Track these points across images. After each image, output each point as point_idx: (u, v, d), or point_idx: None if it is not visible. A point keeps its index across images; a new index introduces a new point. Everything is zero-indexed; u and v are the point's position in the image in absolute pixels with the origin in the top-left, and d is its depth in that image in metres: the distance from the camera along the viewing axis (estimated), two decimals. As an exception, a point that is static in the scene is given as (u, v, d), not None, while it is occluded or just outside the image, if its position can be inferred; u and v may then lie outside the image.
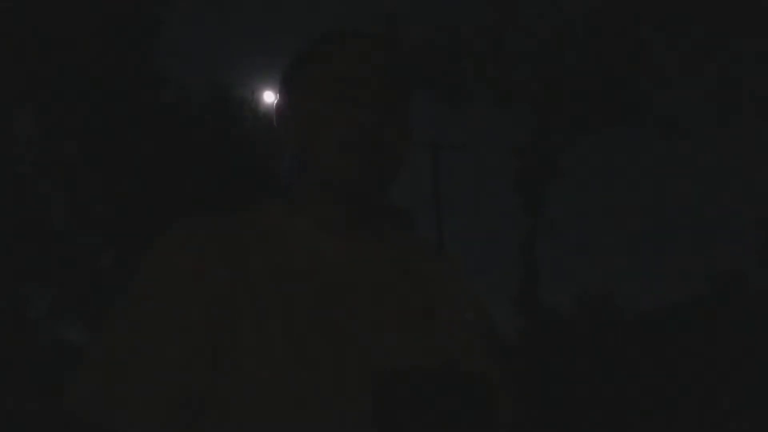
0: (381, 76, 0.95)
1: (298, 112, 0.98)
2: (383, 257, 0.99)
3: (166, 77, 11.80)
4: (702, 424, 11.18)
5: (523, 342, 12.38)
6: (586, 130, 12.07)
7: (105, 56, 10.43)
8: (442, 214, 13.44)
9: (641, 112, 11.79)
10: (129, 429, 0.83)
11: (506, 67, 11.99)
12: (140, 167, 10.83)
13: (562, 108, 12.01)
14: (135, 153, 10.82)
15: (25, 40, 9.96)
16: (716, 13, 10.94)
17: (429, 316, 0.99)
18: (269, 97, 13.13)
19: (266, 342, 0.85)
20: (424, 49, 11.61)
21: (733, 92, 11.15)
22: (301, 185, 1.00)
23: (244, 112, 12.90)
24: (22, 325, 10.28)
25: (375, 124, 0.93)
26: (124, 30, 10.70)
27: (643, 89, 11.71)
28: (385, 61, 0.96)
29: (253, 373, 0.84)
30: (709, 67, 11.22)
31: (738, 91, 11.12)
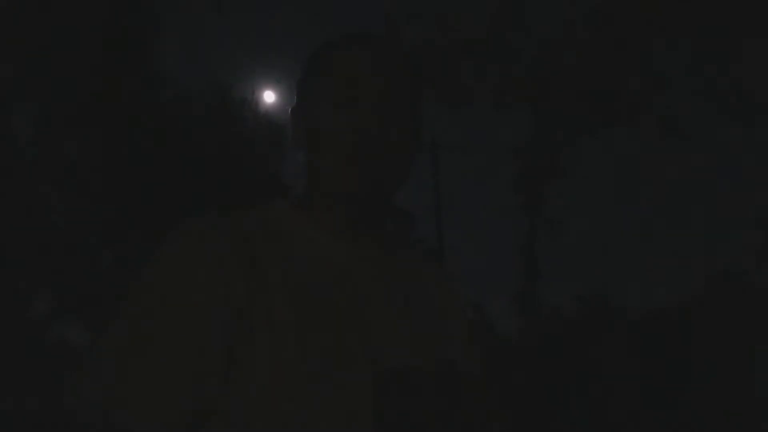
0: (385, 79, 0.95)
1: (304, 117, 0.99)
2: (385, 261, 1.00)
3: (166, 77, 11.82)
4: (702, 423, 11.18)
5: (523, 341, 12.38)
6: (586, 130, 12.07)
7: (105, 56, 10.44)
8: (442, 214, 13.45)
9: (641, 112, 11.79)
10: (135, 430, 0.82)
11: (506, 67, 11.99)
12: (140, 167, 10.84)
13: (562, 108, 12.02)
14: (135, 153, 10.83)
15: (25, 40, 9.97)
16: (716, 13, 10.94)
17: (428, 319, 0.99)
18: (269, 97, 13.14)
19: (279, 345, 0.85)
20: (424, 49, 11.61)
21: (733, 92, 11.15)
22: (307, 188, 1.00)
23: (244, 112, 12.91)
24: (22, 325, 10.28)
25: (378, 129, 0.92)
26: (124, 30, 10.70)
27: (643, 89, 11.71)
28: (389, 64, 0.96)
29: (264, 376, 0.84)
30: (709, 67, 11.23)
31: (738, 91, 11.11)
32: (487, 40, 11.80)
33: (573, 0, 11.59)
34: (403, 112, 0.96)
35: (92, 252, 11.35)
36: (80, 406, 0.83)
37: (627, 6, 11.22)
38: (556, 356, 13.10)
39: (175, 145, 11.32)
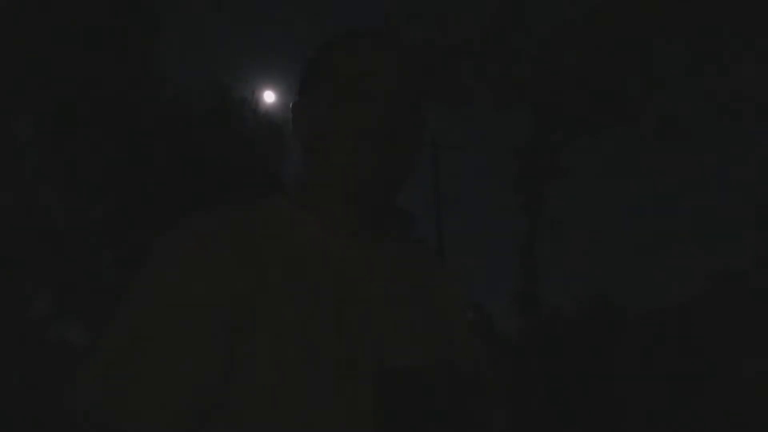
0: (387, 77, 0.94)
1: (310, 112, 0.98)
2: (388, 259, 0.99)
3: (166, 77, 11.83)
4: (702, 422, 11.18)
5: (523, 341, 12.38)
6: (586, 130, 12.07)
7: (105, 56, 10.44)
8: (442, 214, 13.44)
9: (641, 112, 11.79)
10: (135, 430, 0.82)
11: (506, 67, 11.99)
12: (140, 167, 10.85)
13: (562, 108, 12.01)
14: (135, 153, 10.84)
15: (25, 41, 9.97)
16: (716, 13, 10.94)
17: (428, 318, 0.99)
18: (269, 97, 13.15)
19: (280, 344, 0.84)
20: (424, 49, 11.60)
21: (733, 92, 11.15)
22: (311, 184, 0.99)
23: (244, 112, 12.92)
24: (22, 325, 10.28)
25: (379, 127, 0.92)
26: (124, 30, 10.70)
27: (643, 89, 11.72)
28: (391, 63, 0.95)
29: (265, 375, 0.83)
30: (709, 67, 11.23)
31: (738, 91, 11.12)
32: (487, 40, 11.80)
33: (573, 0, 11.59)
34: (405, 110, 0.95)
35: (92, 252, 11.35)
36: (80, 406, 0.83)
37: (627, 6, 11.22)
38: (556, 356, 13.10)
39: (175, 145, 11.33)
